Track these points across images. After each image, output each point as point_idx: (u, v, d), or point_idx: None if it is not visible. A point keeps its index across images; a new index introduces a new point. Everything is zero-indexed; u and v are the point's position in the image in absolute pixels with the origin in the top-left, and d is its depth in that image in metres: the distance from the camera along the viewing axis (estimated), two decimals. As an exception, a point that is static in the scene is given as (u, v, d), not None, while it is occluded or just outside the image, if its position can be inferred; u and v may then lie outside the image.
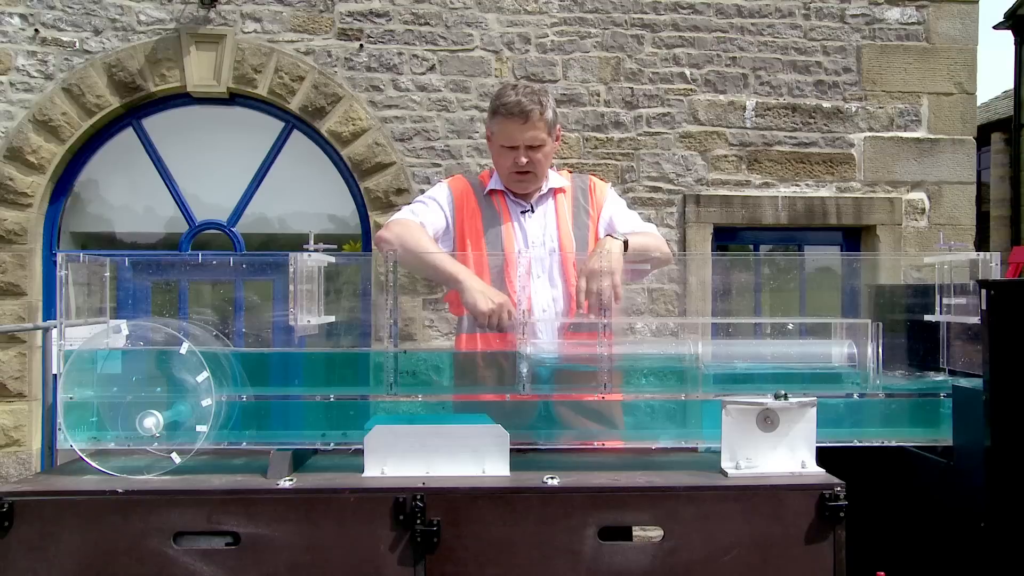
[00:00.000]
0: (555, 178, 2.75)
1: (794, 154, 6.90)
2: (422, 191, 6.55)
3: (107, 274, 2.32)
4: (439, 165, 6.62)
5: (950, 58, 7.01)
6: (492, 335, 2.53)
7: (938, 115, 7.01)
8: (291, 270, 2.24)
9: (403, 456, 2.07)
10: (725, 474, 2.04)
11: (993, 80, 54.66)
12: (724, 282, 2.76)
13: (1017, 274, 7.41)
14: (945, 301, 2.39)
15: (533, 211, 2.70)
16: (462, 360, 2.48)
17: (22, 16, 6.36)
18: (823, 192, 6.93)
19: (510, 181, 2.68)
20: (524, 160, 2.61)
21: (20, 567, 1.91)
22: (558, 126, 2.73)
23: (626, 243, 2.48)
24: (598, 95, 6.72)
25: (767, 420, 2.07)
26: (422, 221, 2.65)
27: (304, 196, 6.83)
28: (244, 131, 6.75)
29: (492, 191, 2.73)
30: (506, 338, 2.45)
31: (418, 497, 1.93)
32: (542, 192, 2.72)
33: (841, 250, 7.00)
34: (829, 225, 6.92)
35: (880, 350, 2.18)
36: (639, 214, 2.93)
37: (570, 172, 2.86)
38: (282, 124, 6.73)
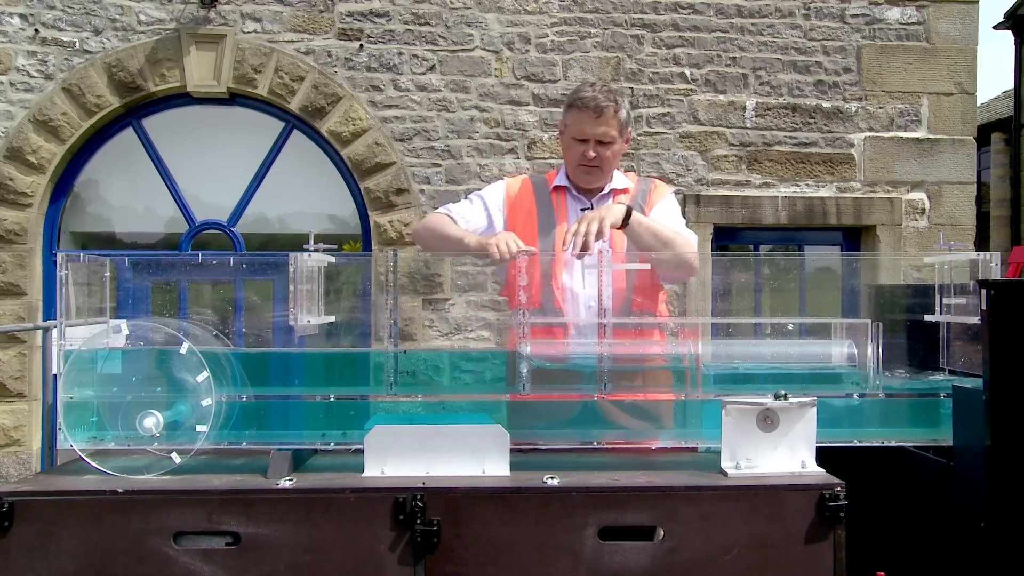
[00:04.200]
0: (619, 179, 2.79)
1: (794, 154, 6.90)
2: (422, 191, 6.59)
3: (107, 274, 2.32)
4: (439, 165, 6.63)
5: (950, 58, 7.02)
6: (539, 329, 2.55)
7: (938, 115, 7.01)
8: (291, 270, 2.24)
9: (403, 456, 2.07)
10: (725, 474, 2.04)
11: (993, 80, 54.66)
12: (724, 282, 2.76)
13: (1017, 274, 7.42)
14: (945, 301, 2.39)
15: (593, 209, 2.71)
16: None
17: (22, 16, 6.36)
18: (823, 192, 6.93)
19: (576, 173, 2.73)
20: (592, 154, 2.65)
21: (20, 567, 1.91)
22: (629, 128, 2.77)
23: (629, 210, 2.51)
24: (598, 95, 6.72)
25: (767, 420, 2.07)
26: (452, 215, 2.72)
27: (304, 196, 6.84)
28: (244, 131, 6.75)
29: (556, 187, 2.77)
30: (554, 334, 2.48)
31: (418, 497, 1.93)
32: (603, 192, 2.75)
33: (841, 250, 7.00)
34: (829, 225, 6.92)
35: (880, 350, 2.18)
36: None
37: (637, 176, 2.89)
38: (282, 124, 6.73)
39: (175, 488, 1.97)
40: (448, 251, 2.69)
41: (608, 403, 2.32)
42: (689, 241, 2.69)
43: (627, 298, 2.58)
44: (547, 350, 2.40)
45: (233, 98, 6.64)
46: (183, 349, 2.09)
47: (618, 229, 2.51)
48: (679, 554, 1.93)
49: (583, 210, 2.71)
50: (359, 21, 6.59)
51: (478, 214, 2.74)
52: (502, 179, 2.89)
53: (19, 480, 2.28)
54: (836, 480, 1.99)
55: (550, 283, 2.56)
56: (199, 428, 2.07)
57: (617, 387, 2.23)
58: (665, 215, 2.74)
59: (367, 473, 2.07)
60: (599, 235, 2.39)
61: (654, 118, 6.73)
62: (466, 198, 2.82)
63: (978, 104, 7.39)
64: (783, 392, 2.07)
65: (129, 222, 6.88)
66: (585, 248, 2.37)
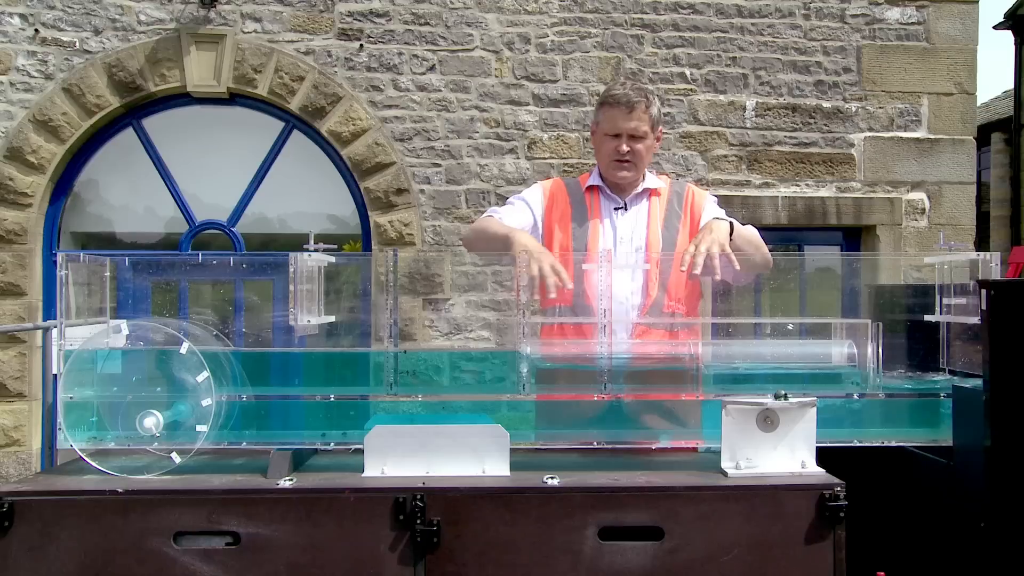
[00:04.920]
0: (652, 180, 2.80)
1: (794, 154, 6.90)
2: (422, 191, 6.59)
3: (107, 274, 2.32)
4: (439, 165, 6.63)
5: (950, 58, 7.02)
6: (568, 327, 2.56)
7: (938, 115, 7.01)
8: (291, 270, 2.24)
9: (403, 456, 2.07)
10: (725, 474, 2.04)
11: (993, 80, 54.65)
12: (724, 282, 2.76)
13: (1017, 274, 7.41)
14: (945, 301, 2.39)
15: (626, 209, 2.74)
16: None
17: (22, 16, 6.36)
18: (823, 192, 6.93)
19: (610, 170, 2.73)
20: (625, 148, 2.67)
21: (20, 567, 1.91)
22: (660, 127, 2.79)
23: (732, 225, 2.53)
24: (598, 95, 6.72)
25: (767, 420, 2.07)
26: (500, 216, 2.73)
27: (304, 196, 6.84)
28: (244, 131, 6.76)
29: (589, 187, 2.78)
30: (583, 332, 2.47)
31: (418, 497, 1.93)
32: (637, 191, 2.76)
33: (841, 250, 7.00)
34: (829, 225, 6.92)
35: (880, 350, 2.18)
36: None
37: (669, 178, 2.91)
38: (282, 124, 6.73)
39: (175, 488, 1.97)
40: (495, 251, 2.71)
41: (636, 404, 2.32)
42: (760, 239, 2.74)
43: (663, 300, 2.59)
44: (559, 350, 2.41)
45: (233, 98, 6.64)
46: (183, 349, 2.09)
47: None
48: (679, 554, 1.93)
49: (616, 209, 2.73)
50: (359, 21, 6.59)
51: (523, 212, 2.76)
52: (538, 183, 2.92)
53: (19, 480, 2.28)
54: (836, 480, 1.99)
55: (582, 283, 2.54)
56: (199, 428, 2.07)
57: (623, 387, 2.23)
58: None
59: (367, 473, 2.07)
60: (723, 256, 2.40)
61: (654, 118, 6.73)
62: (509, 202, 2.85)
63: (978, 104, 7.39)
64: (783, 392, 2.07)
65: (129, 222, 6.88)
66: (710, 269, 2.37)
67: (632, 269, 2.62)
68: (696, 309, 2.73)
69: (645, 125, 2.68)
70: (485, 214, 2.82)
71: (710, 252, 2.38)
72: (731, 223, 2.55)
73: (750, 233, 2.67)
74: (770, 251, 2.70)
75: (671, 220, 2.73)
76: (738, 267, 2.42)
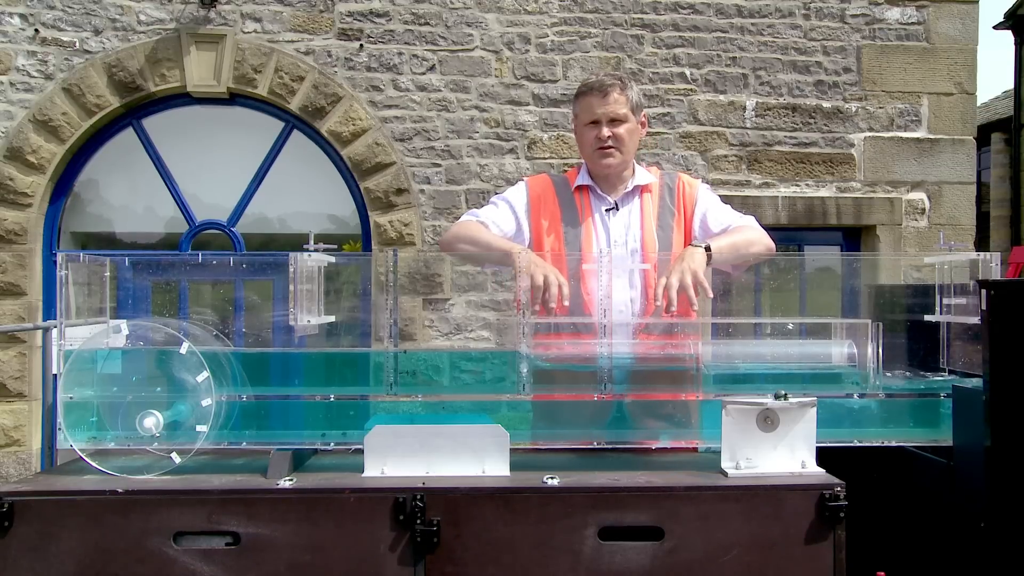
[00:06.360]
0: (642, 175, 2.70)
1: (794, 154, 6.91)
2: (422, 191, 6.59)
3: (107, 274, 2.32)
4: (439, 165, 6.63)
5: (950, 58, 7.02)
6: (566, 334, 2.51)
7: (938, 115, 7.01)
8: (291, 270, 2.24)
9: (403, 456, 2.07)
10: (725, 474, 2.04)
11: (993, 80, 54.68)
12: (724, 282, 2.75)
13: (1017, 274, 7.42)
14: (945, 301, 2.39)
15: (617, 209, 2.66)
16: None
17: (22, 16, 6.36)
18: (823, 192, 6.93)
19: (594, 160, 2.64)
20: (607, 133, 2.59)
21: (20, 567, 1.91)
22: (644, 112, 2.71)
23: (708, 248, 2.43)
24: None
25: (767, 420, 2.06)
26: (483, 220, 2.63)
27: (304, 196, 6.84)
28: (244, 131, 6.76)
29: (578, 187, 2.69)
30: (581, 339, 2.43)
31: (418, 497, 1.93)
32: (627, 189, 2.67)
33: (841, 250, 7.01)
34: (829, 225, 6.92)
35: (880, 350, 2.18)
36: None
37: (660, 169, 2.82)
38: (282, 124, 6.73)
39: (175, 488, 1.97)
40: (491, 263, 2.63)
41: (636, 404, 2.31)
42: (756, 227, 2.65)
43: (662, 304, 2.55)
44: (559, 351, 2.40)
45: (233, 98, 6.64)
46: (183, 349, 2.09)
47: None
48: (679, 554, 1.93)
49: (607, 210, 2.65)
50: (359, 21, 6.59)
51: (506, 217, 2.66)
52: (523, 180, 2.81)
53: (19, 480, 2.28)
54: (836, 480, 1.99)
55: (578, 287, 2.48)
56: (199, 428, 2.07)
57: (623, 388, 2.23)
58: (720, 215, 2.67)
59: (367, 473, 2.07)
60: (698, 287, 2.32)
61: (654, 118, 6.73)
62: (492, 202, 2.74)
63: (978, 104, 7.39)
64: (783, 392, 2.07)
65: (129, 222, 6.88)
66: (687, 303, 2.30)
67: (629, 276, 2.56)
68: (689, 307, 2.69)
69: (623, 108, 2.60)
70: (463, 218, 2.70)
71: (682, 284, 2.30)
72: (707, 246, 2.44)
73: (732, 240, 2.55)
74: None
75: (665, 218, 2.66)
76: (711, 295, 2.36)
